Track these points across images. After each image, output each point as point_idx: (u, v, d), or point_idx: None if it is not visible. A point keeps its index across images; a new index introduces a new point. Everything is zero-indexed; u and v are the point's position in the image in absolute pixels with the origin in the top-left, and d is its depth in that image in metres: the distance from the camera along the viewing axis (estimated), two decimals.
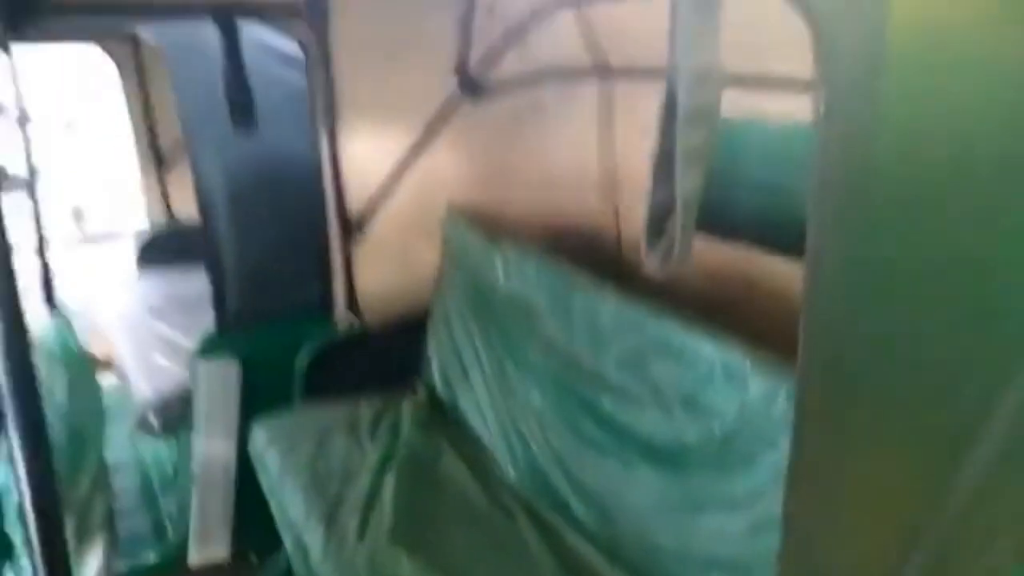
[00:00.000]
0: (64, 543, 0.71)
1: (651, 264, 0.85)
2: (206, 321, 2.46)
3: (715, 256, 2.08)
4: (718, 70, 0.71)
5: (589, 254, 2.29)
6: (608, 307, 1.79)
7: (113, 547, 1.03)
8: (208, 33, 1.89)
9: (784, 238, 1.89)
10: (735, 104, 1.90)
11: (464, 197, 2.47)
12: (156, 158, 3.82)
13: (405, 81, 2.28)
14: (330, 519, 1.79)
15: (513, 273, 2.10)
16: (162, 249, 3.67)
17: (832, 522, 0.93)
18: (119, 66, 3.67)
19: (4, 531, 1.55)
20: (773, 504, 1.35)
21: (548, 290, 1.98)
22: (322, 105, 2.23)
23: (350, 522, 1.77)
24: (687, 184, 0.74)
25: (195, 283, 2.90)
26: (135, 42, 3.53)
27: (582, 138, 2.50)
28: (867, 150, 0.75)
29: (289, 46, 2.17)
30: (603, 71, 2.38)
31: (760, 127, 1.90)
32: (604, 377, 1.77)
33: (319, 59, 2.14)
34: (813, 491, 0.88)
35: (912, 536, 1.02)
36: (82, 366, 1.45)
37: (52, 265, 2.15)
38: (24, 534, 0.67)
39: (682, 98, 0.69)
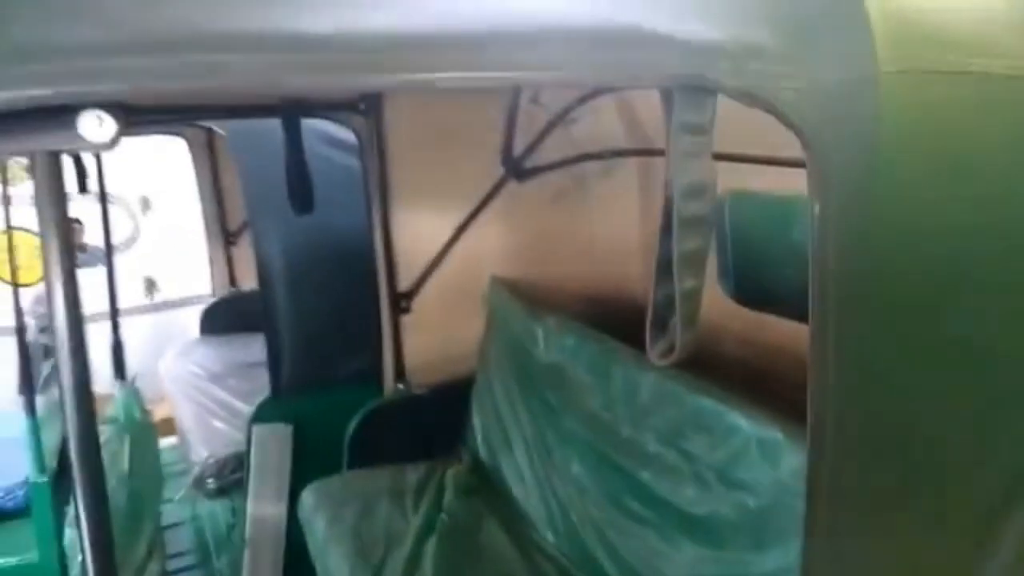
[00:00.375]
0: None
1: (653, 356, 0.91)
2: (262, 386, 2.58)
3: (765, 331, 2.10)
4: (711, 183, 0.78)
5: (630, 324, 2.34)
6: (647, 380, 1.83)
7: None
8: (272, 125, 2.07)
9: None
10: (779, 181, 1.98)
11: (508, 270, 2.57)
12: (223, 233, 4.06)
13: (453, 165, 2.42)
14: None
15: (553, 344, 2.17)
16: (224, 317, 3.86)
17: None
18: (192, 149, 3.95)
19: None
20: None
21: (587, 361, 2.04)
22: (375, 188, 2.39)
23: None
24: (685, 286, 0.81)
25: (254, 350, 3.05)
26: (208, 129, 3.82)
27: (623, 210, 2.59)
28: (863, 252, 0.81)
29: (345, 134, 2.35)
30: (644, 151, 2.49)
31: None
32: (643, 448, 1.80)
33: (373, 146, 2.30)
34: (832, 568, 0.91)
35: None
36: (145, 433, 1.56)
37: (123, 336, 2.32)
38: None
39: (678, 207, 0.77)
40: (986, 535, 1.02)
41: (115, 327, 2.32)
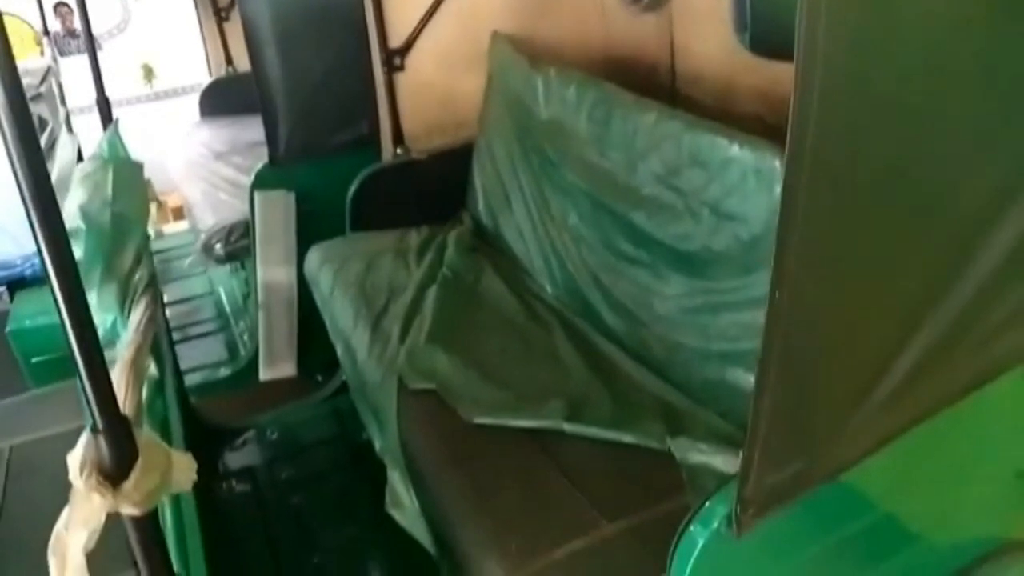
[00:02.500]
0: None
1: (629, 8, 0.84)
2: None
3: (780, 86, 2.00)
4: None
5: (641, 88, 2.24)
6: (645, 121, 1.77)
7: (156, 303, 1.17)
8: None
9: None
10: None
11: (511, 28, 2.42)
12: (215, 9, 3.85)
13: None
14: (375, 325, 1.92)
15: (554, 96, 2.09)
16: (222, 98, 3.77)
17: (827, 292, 0.94)
18: None
19: None
20: None
21: (587, 111, 1.96)
22: None
23: (393, 327, 1.90)
24: None
25: (255, 130, 3.00)
26: None
27: None
28: None
29: None
30: None
31: None
32: (637, 192, 1.78)
33: None
34: (810, 256, 0.89)
35: (913, 321, 1.03)
36: (128, 167, 1.57)
37: (110, 96, 2.26)
38: None
39: None
40: (970, 247, 1.01)
41: (99, 85, 2.25)
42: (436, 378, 1.68)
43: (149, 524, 0.82)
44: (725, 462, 1.37)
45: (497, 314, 1.97)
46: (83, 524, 0.72)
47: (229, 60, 3.92)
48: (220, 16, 3.83)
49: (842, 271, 0.94)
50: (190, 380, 2.57)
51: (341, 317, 2.03)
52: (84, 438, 0.77)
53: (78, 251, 1.28)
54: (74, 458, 0.76)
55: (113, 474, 0.76)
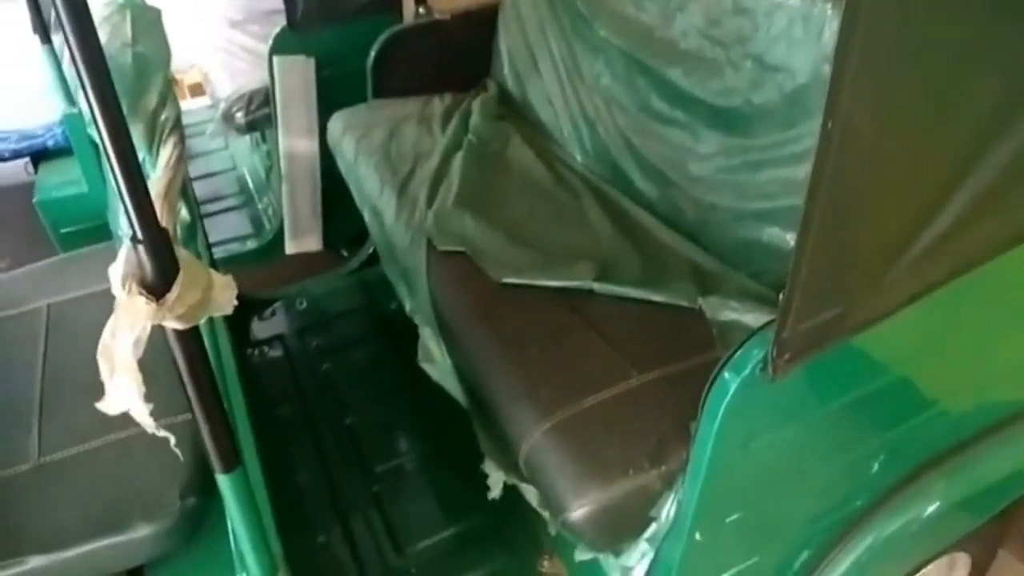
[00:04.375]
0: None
1: None
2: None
3: None
4: None
5: None
6: None
7: (182, 142, 1.16)
8: None
9: None
10: None
11: None
12: None
13: None
14: (402, 190, 1.89)
15: None
16: None
17: (880, 126, 0.89)
18: None
19: None
20: None
21: None
22: None
23: (420, 192, 1.87)
24: None
25: None
26: None
27: None
28: None
29: None
30: None
31: None
32: (675, 46, 1.69)
33: None
34: (864, 84, 0.84)
35: (965, 163, 0.99)
36: (147, 11, 1.51)
37: None
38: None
39: None
40: (988, 135, 0.96)
41: None
42: (465, 240, 1.66)
43: (193, 339, 0.83)
44: (756, 319, 1.35)
45: (525, 180, 1.92)
46: (129, 329, 0.72)
47: None
48: None
49: (894, 112, 0.89)
50: (216, 254, 2.58)
51: (367, 183, 2.00)
52: (124, 250, 0.75)
53: None
54: (115, 270, 0.75)
55: (156, 286, 0.75)
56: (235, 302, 0.83)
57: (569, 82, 2.05)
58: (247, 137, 3.08)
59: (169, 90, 1.38)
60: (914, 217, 0.98)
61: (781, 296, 0.94)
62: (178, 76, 4.78)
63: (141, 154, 1.18)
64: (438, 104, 2.28)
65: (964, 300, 1.15)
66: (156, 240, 0.76)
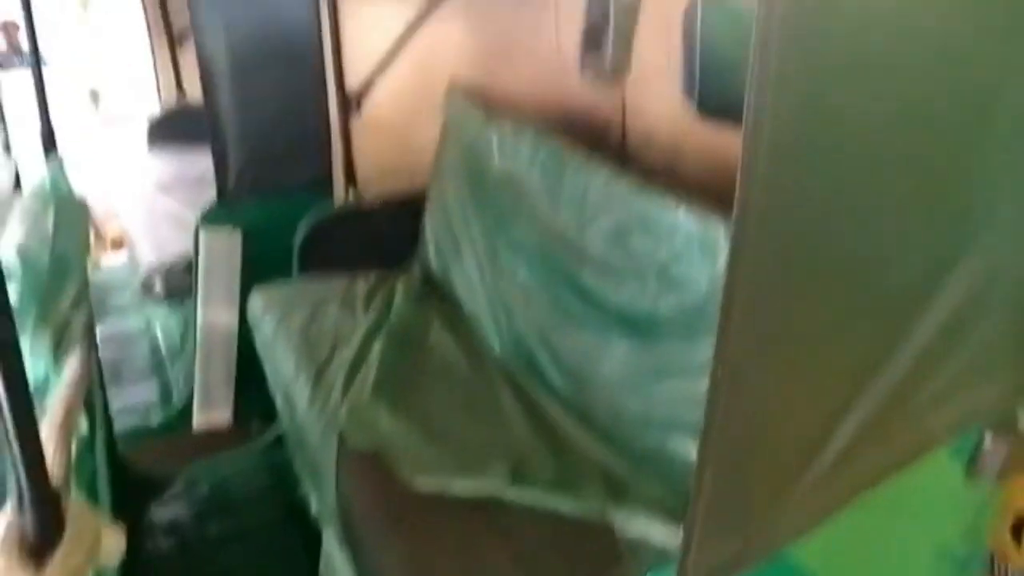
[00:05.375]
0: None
1: (587, 75, 0.84)
2: (213, 199, 2.50)
3: (725, 139, 2.04)
4: None
5: (594, 146, 2.26)
6: (598, 180, 1.78)
7: (91, 351, 1.12)
8: None
9: None
10: None
11: (469, 76, 2.43)
12: (169, 38, 3.79)
13: None
14: (317, 378, 1.87)
15: (508, 150, 2.09)
16: (172, 128, 3.69)
17: (766, 369, 0.95)
18: None
19: None
20: None
21: (540, 166, 1.97)
22: None
23: (336, 380, 1.85)
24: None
25: (204, 164, 2.93)
26: None
27: None
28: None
29: None
30: None
31: None
32: (587, 251, 1.79)
33: None
34: (749, 333, 0.90)
35: (849, 396, 1.05)
36: (70, 203, 1.52)
37: (54, 121, 2.18)
38: None
39: None
40: (906, 321, 1.04)
41: (43, 109, 2.17)
42: (378, 437, 1.64)
43: None
44: (665, 534, 1.36)
45: (443, 369, 1.94)
46: None
47: (180, 87, 3.85)
48: (174, 42, 3.76)
49: (782, 345, 0.95)
50: (120, 424, 2.45)
51: (283, 366, 1.97)
52: (7, 514, 0.72)
53: (13, 293, 1.23)
54: None
55: (37, 550, 0.72)
56: (123, 552, 0.79)
57: (490, 272, 2.13)
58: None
59: (84, 292, 1.36)
60: (810, 443, 1.02)
61: (682, 528, 0.95)
62: (102, 228, 4.75)
63: (43, 363, 1.15)
64: (362, 284, 2.32)
65: (862, 518, 1.18)
66: (44, 503, 0.74)
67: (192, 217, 2.85)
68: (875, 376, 1.05)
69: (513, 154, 2.07)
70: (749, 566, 1.05)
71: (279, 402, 1.94)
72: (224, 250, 2.48)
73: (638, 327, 1.63)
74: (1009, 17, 0.94)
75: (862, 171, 0.90)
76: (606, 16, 0.73)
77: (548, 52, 2.49)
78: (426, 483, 1.52)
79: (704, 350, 1.45)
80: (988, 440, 1.30)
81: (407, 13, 2.35)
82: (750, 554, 1.04)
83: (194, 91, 3.85)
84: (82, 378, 1.08)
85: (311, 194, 2.52)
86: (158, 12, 3.79)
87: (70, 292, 1.31)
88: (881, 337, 1.05)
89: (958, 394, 1.23)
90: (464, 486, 1.51)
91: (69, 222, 1.43)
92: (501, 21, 2.43)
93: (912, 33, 0.85)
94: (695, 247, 1.51)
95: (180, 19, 3.71)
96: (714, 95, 2.04)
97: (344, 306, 2.20)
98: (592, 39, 0.79)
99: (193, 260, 2.50)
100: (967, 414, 1.26)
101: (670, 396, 1.52)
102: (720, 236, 1.46)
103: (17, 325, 0.74)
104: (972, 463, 1.33)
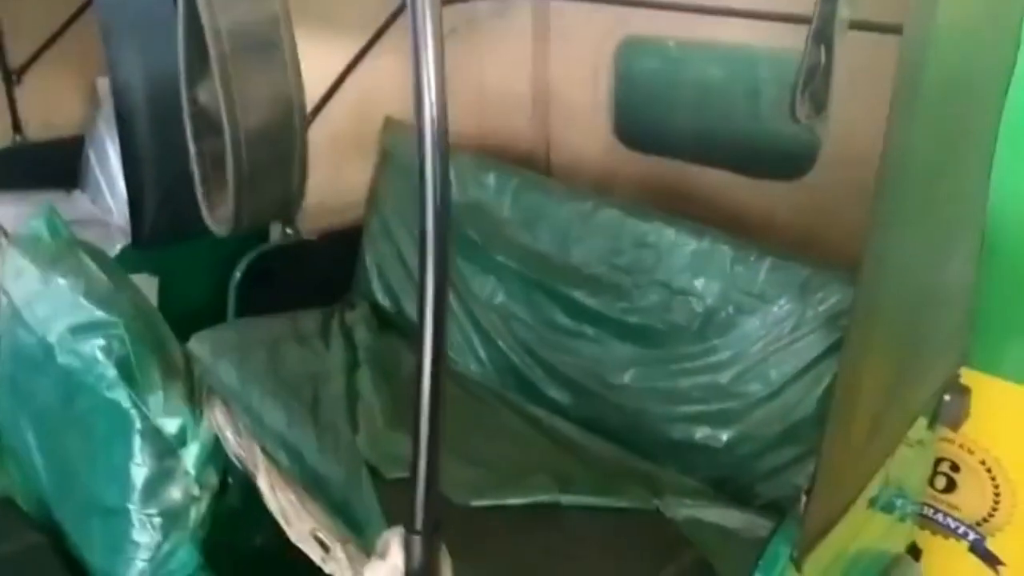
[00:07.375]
0: None
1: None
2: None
3: (652, 172, 2.28)
4: None
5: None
6: (582, 208, 1.92)
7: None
8: None
9: (718, 153, 2.10)
10: (690, 30, 2.07)
11: (403, 113, 2.46)
12: (4, 71, 3.36)
13: None
14: (316, 419, 1.79)
15: (470, 181, 2.16)
16: (13, 171, 3.25)
17: (877, 369, 1.18)
18: None
19: None
20: (756, 355, 1.60)
21: (511, 195, 2.07)
22: None
23: (336, 418, 1.79)
24: None
25: (60, 209, 2.64)
26: None
27: (515, 60, 2.58)
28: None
29: None
30: None
31: (706, 52, 2.08)
32: (575, 271, 1.91)
33: None
34: (865, 346, 1.10)
35: (900, 373, 1.30)
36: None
37: None
38: None
39: None
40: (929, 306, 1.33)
41: None
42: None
43: None
44: (720, 515, 1.52)
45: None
46: None
47: (18, 128, 3.40)
48: (11, 78, 3.33)
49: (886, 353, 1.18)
50: None
51: (266, 413, 1.85)
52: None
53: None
54: None
55: None
56: None
57: (456, 298, 2.17)
58: None
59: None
60: (869, 421, 1.25)
61: (803, 494, 1.12)
62: None
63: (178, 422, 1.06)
64: (309, 321, 2.24)
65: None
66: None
67: None
68: (913, 356, 1.32)
69: (477, 184, 2.15)
70: (839, 518, 1.25)
71: (275, 451, 1.81)
72: None
73: (643, 335, 1.79)
74: None
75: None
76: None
77: (471, 90, 2.62)
78: (479, 503, 1.54)
79: (721, 349, 1.65)
80: (947, 398, 1.62)
81: (340, 54, 2.36)
82: (837, 508, 1.24)
83: (34, 132, 3.45)
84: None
85: (237, 237, 2.38)
86: None
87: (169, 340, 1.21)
88: (919, 324, 1.32)
89: (936, 365, 1.54)
90: (517, 500, 1.55)
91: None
92: None
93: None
94: (701, 261, 1.70)
95: (20, 51, 3.30)
96: (641, 129, 2.29)
97: (302, 344, 2.12)
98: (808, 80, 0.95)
99: None
100: (937, 382, 1.57)
101: (691, 392, 1.69)
102: (725, 250, 1.67)
103: None
104: (935, 417, 1.64)
